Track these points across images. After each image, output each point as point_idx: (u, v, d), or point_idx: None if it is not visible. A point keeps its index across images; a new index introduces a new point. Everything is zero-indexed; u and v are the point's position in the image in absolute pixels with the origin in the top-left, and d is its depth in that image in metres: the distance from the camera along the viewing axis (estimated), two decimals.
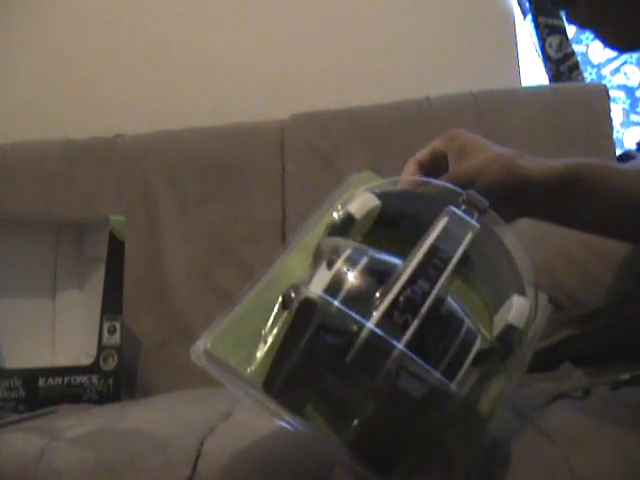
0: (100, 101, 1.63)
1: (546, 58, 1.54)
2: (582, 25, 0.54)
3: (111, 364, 1.10)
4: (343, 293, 0.48)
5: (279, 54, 1.62)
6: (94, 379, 1.09)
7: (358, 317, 0.47)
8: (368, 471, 0.49)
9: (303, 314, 0.49)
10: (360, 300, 0.48)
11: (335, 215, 0.59)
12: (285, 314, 0.52)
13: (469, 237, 0.56)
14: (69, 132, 1.50)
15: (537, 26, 1.53)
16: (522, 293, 0.57)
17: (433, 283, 0.50)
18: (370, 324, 0.47)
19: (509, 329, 0.54)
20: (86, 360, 1.10)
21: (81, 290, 1.24)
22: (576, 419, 0.62)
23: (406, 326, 0.47)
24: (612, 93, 1.46)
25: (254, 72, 1.61)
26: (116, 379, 1.10)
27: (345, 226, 0.57)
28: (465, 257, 0.56)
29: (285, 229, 1.35)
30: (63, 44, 1.66)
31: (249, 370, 0.51)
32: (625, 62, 1.74)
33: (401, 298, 0.48)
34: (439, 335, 0.49)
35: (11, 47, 1.68)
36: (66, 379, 1.06)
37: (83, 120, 1.60)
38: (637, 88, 1.76)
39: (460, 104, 1.40)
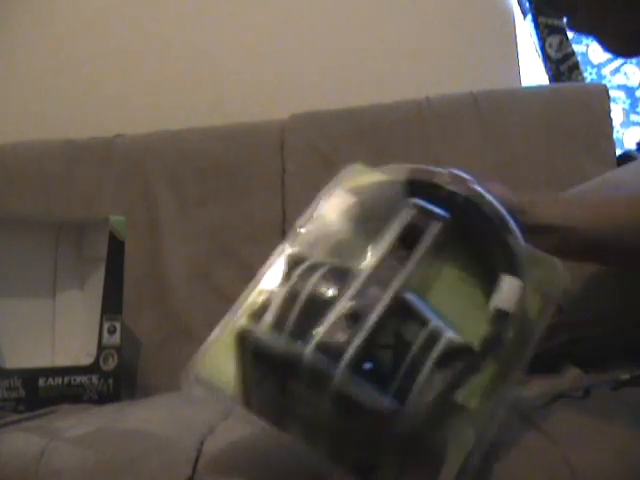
0: (100, 101, 1.63)
1: (546, 58, 1.54)
2: (583, 32, 0.54)
3: (111, 364, 1.10)
4: (296, 310, 0.47)
5: (279, 54, 1.62)
6: (94, 379, 1.08)
7: (293, 346, 0.46)
8: (352, 475, 0.49)
9: (241, 345, 0.49)
10: (312, 314, 0.47)
11: (303, 230, 0.59)
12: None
13: (436, 229, 0.54)
14: (69, 132, 1.50)
15: (537, 26, 1.53)
16: (513, 272, 0.55)
17: (384, 288, 0.48)
18: (308, 350, 0.45)
19: (497, 315, 0.52)
20: (86, 360, 1.10)
21: (81, 290, 1.24)
22: (576, 419, 0.62)
23: (348, 343, 0.45)
24: (612, 93, 1.46)
25: (254, 72, 1.61)
26: (116, 379, 1.10)
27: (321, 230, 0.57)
28: (440, 244, 0.54)
29: (285, 229, 1.35)
30: (63, 44, 1.66)
31: (232, 389, 0.52)
32: (625, 62, 1.74)
33: (345, 313, 0.47)
34: (392, 343, 0.47)
35: (11, 47, 1.68)
36: (66, 379, 1.06)
37: (83, 120, 1.60)
38: (637, 88, 1.75)
39: (460, 104, 1.40)
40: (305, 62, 1.62)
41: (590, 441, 0.59)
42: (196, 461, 0.63)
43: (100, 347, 1.10)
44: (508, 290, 0.53)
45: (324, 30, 1.62)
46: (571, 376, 0.84)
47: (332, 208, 0.58)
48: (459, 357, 0.48)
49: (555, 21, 1.52)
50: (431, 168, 0.60)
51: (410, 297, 0.50)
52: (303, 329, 0.47)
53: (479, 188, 0.59)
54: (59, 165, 1.43)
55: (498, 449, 0.57)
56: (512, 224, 0.58)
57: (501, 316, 0.52)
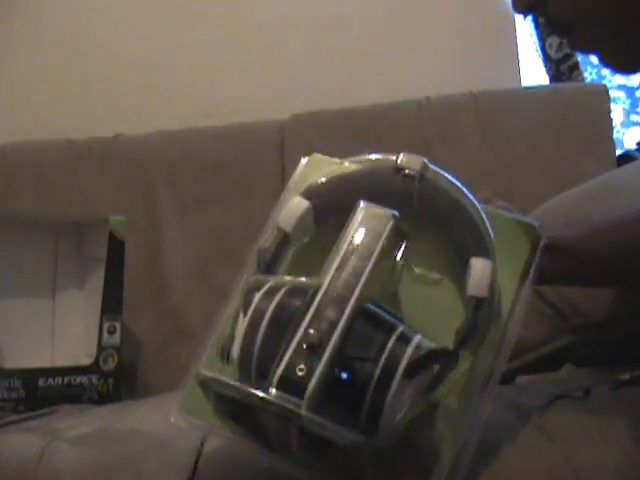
0: (100, 101, 1.62)
1: (546, 58, 1.54)
2: (584, 50, 0.54)
3: (111, 364, 1.10)
4: (255, 353, 0.47)
5: (279, 54, 1.62)
6: (94, 379, 1.08)
7: (249, 391, 0.45)
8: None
9: (206, 390, 0.49)
10: (268, 357, 0.46)
11: (262, 242, 0.58)
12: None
13: (388, 229, 0.51)
14: (69, 132, 1.50)
15: (537, 26, 1.53)
16: (483, 254, 0.53)
17: (342, 309, 0.47)
18: (271, 390, 0.45)
19: (470, 302, 0.51)
20: (86, 360, 1.10)
21: (81, 290, 1.24)
22: (577, 419, 0.62)
23: (311, 375, 0.44)
24: (612, 93, 1.46)
25: (254, 72, 1.61)
26: (116, 379, 1.10)
27: (279, 246, 0.56)
28: (394, 243, 0.53)
29: None
30: (63, 44, 1.66)
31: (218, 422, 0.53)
32: None
33: (302, 345, 0.45)
34: (356, 365, 0.45)
35: (11, 47, 1.67)
36: (66, 379, 1.06)
37: (83, 120, 1.60)
38: (637, 88, 1.75)
39: (460, 104, 1.40)
40: (305, 62, 1.61)
41: (591, 441, 0.59)
42: (196, 461, 0.63)
43: (100, 347, 1.09)
44: (479, 274, 0.51)
45: (324, 30, 1.62)
46: (571, 376, 0.84)
47: (288, 217, 0.57)
48: (431, 361, 0.47)
49: None
50: (391, 155, 0.58)
51: (371, 308, 0.49)
52: (266, 365, 0.46)
53: (434, 168, 0.57)
54: (59, 165, 1.43)
55: (498, 449, 0.57)
56: (470, 194, 0.57)
57: (475, 304, 0.51)
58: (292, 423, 0.45)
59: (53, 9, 1.67)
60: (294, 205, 0.58)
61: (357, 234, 0.51)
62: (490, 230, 0.55)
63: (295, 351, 0.45)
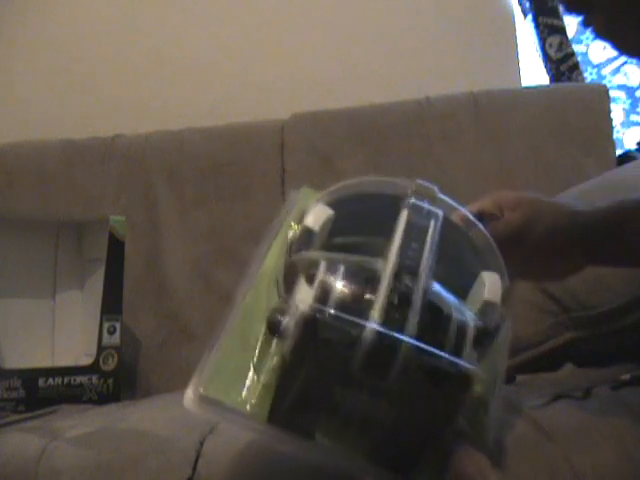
0: (100, 101, 1.62)
1: (546, 58, 1.54)
2: (598, 32, 0.53)
3: (111, 364, 1.10)
4: (333, 302, 0.47)
5: (279, 54, 1.62)
6: (94, 379, 1.08)
7: (360, 320, 0.45)
8: (387, 476, 0.49)
9: (303, 332, 0.47)
10: (352, 306, 0.47)
11: (291, 234, 0.58)
12: (275, 341, 0.50)
13: (433, 224, 0.54)
14: (69, 132, 1.50)
15: (537, 26, 1.53)
16: (489, 269, 0.56)
17: (415, 275, 0.49)
18: (373, 324, 0.45)
19: (487, 306, 0.53)
20: (86, 360, 1.10)
21: (81, 290, 1.24)
22: (577, 419, 0.62)
23: (405, 320, 0.46)
24: (612, 93, 1.46)
25: (254, 72, 1.61)
26: (116, 379, 1.10)
27: (305, 242, 0.56)
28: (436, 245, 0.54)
29: None
30: (63, 44, 1.66)
31: (249, 407, 0.50)
32: (625, 62, 1.74)
33: (393, 295, 0.47)
34: (436, 324, 0.47)
35: (11, 47, 1.68)
36: (66, 379, 1.06)
37: (83, 120, 1.60)
38: (637, 88, 1.75)
39: (460, 104, 1.40)
40: (305, 62, 1.62)
41: (591, 441, 0.59)
42: (196, 461, 0.63)
43: (100, 347, 1.09)
44: (492, 283, 0.55)
45: (324, 30, 1.62)
46: (571, 376, 0.84)
47: (315, 220, 0.57)
48: (485, 339, 0.50)
49: (555, 21, 1.53)
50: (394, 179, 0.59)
51: (435, 285, 0.51)
52: (359, 309, 0.47)
53: (443, 197, 0.59)
54: (59, 165, 1.43)
55: (499, 449, 0.57)
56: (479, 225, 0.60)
57: (490, 308, 0.53)
58: (395, 359, 0.45)
59: (53, 9, 1.67)
60: (321, 210, 0.58)
61: (408, 225, 0.53)
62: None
63: (387, 297, 0.47)
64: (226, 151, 1.42)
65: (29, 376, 1.04)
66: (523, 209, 0.66)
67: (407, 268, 0.49)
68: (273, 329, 0.49)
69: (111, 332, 1.11)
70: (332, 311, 0.46)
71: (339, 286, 0.48)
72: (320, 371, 0.48)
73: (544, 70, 1.56)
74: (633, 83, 1.75)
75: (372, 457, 0.49)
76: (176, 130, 1.46)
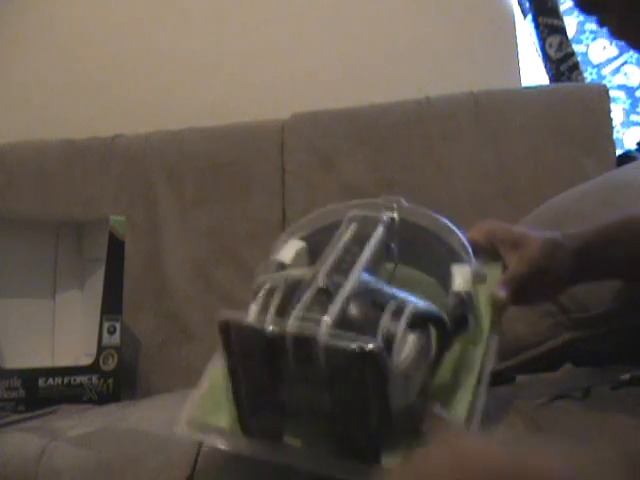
0: (100, 101, 1.63)
1: (546, 58, 1.54)
2: (613, 32, 0.53)
3: (111, 364, 1.10)
4: (273, 309, 0.51)
5: (279, 54, 1.62)
6: (94, 379, 1.09)
7: (279, 322, 0.49)
8: (356, 467, 0.50)
9: (226, 341, 0.51)
10: (287, 309, 0.51)
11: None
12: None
13: (380, 229, 0.60)
14: (69, 132, 1.50)
15: (537, 26, 1.53)
16: (459, 260, 0.60)
17: (346, 274, 0.53)
18: (269, 323, 0.49)
19: (456, 297, 0.57)
20: (86, 360, 1.10)
21: (81, 290, 1.24)
22: (576, 419, 0.62)
23: (325, 312, 0.49)
24: (612, 93, 1.46)
25: (254, 72, 1.61)
26: (116, 379, 1.10)
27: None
28: (383, 246, 0.60)
29: (285, 229, 1.35)
30: (63, 44, 1.66)
31: (225, 424, 0.55)
32: (625, 62, 1.74)
33: (321, 292, 0.51)
34: (363, 312, 0.51)
35: (11, 47, 1.68)
36: (66, 379, 1.06)
37: (83, 120, 1.60)
38: (637, 88, 1.75)
39: (460, 104, 1.40)
40: (305, 62, 1.62)
41: (591, 441, 0.59)
42: (196, 461, 0.63)
43: (100, 347, 1.10)
44: (462, 274, 0.59)
45: (324, 30, 1.62)
46: (570, 376, 0.84)
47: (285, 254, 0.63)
48: (429, 318, 0.52)
49: (555, 21, 1.53)
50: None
51: (370, 279, 0.55)
52: (284, 310, 0.51)
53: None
54: (59, 165, 1.43)
55: None
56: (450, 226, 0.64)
57: (462, 298, 0.57)
58: (314, 347, 0.47)
59: (53, 9, 1.67)
60: (292, 244, 0.65)
61: (355, 235, 0.59)
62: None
63: (311, 297, 0.51)
64: (226, 151, 1.42)
65: (29, 376, 1.04)
66: (531, 249, 0.67)
67: (340, 270, 0.54)
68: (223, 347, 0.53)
69: (111, 332, 1.11)
70: (251, 317, 0.50)
71: (276, 298, 0.52)
72: (256, 374, 0.51)
73: (544, 70, 1.56)
74: (633, 83, 1.75)
75: (338, 451, 0.51)
76: (176, 130, 1.47)
